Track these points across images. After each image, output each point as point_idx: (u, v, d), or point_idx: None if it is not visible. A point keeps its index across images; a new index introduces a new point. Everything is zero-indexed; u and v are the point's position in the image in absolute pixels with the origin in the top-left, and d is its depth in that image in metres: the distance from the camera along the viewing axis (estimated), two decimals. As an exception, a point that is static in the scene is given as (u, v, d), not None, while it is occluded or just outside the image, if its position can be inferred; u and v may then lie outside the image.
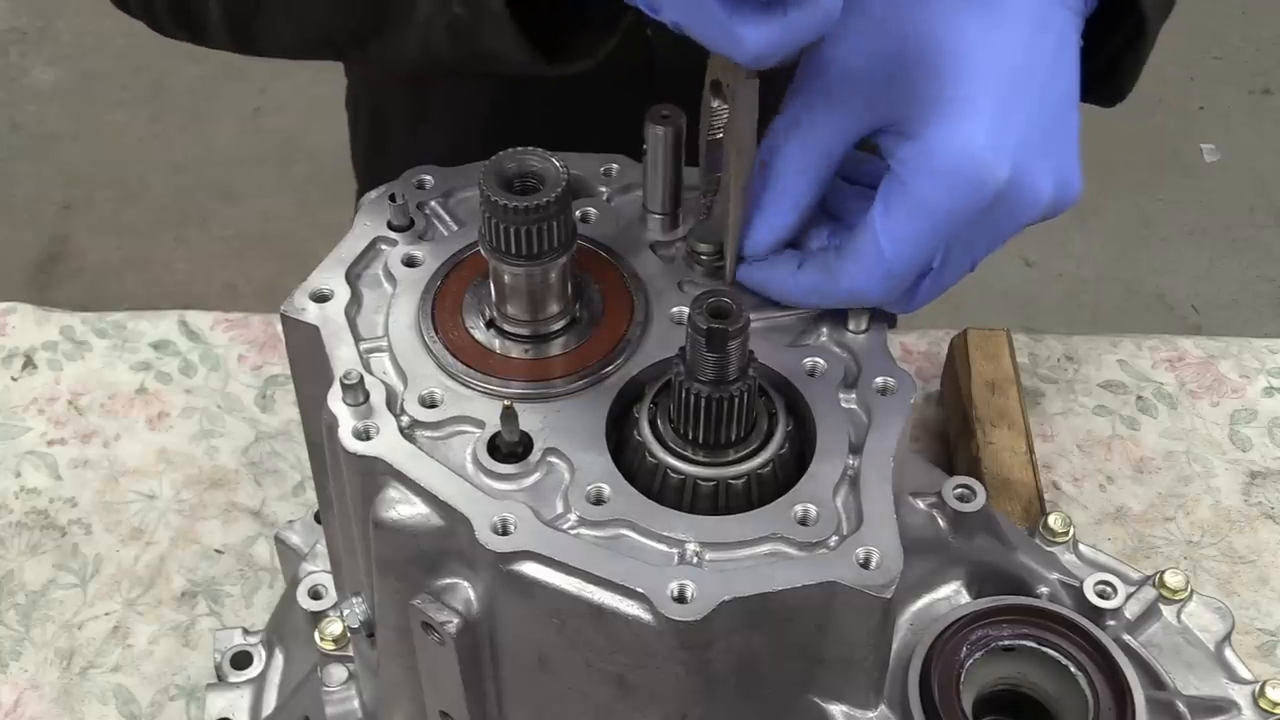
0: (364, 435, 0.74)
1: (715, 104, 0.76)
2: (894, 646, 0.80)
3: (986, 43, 0.75)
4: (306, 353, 0.81)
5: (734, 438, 0.73)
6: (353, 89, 1.46)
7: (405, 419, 0.75)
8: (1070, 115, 0.78)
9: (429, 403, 0.76)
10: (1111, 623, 0.89)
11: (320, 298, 0.80)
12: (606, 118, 0.92)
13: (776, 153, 0.77)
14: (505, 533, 0.70)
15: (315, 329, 0.79)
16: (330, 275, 0.81)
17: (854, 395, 0.77)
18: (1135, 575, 0.97)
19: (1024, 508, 1.17)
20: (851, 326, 0.80)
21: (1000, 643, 0.81)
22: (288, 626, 1.09)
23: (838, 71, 0.75)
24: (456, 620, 0.73)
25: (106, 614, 1.21)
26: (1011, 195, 0.74)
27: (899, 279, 0.76)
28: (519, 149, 0.74)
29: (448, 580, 0.74)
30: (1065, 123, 0.77)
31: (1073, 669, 0.81)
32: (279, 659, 1.09)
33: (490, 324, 0.79)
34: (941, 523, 0.85)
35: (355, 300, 0.81)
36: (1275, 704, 0.90)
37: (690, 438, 0.73)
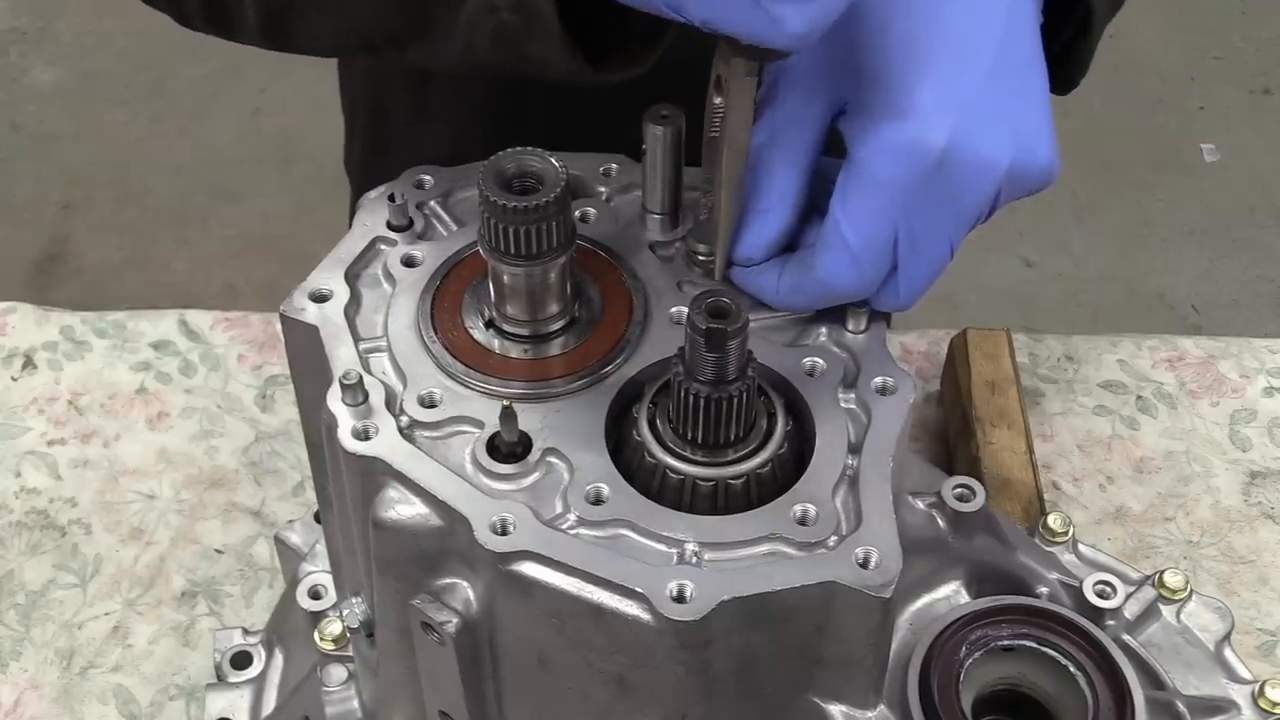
0: (363, 435, 0.74)
1: (717, 101, 0.76)
2: (893, 646, 0.80)
3: (933, 18, 0.75)
4: (306, 353, 0.81)
5: (733, 438, 0.73)
6: (349, 90, 1.45)
7: (404, 419, 0.75)
8: (1032, 82, 0.78)
9: (428, 403, 0.76)
10: (1111, 623, 0.89)
11: (320, 298, 0.80)
12: (607, 115, 0.92)
13: (756, 151, 0.78)
14: (504, 533, 0.70)
15: (315, 329, 0.79)
16: (330, 275, 0.81)
17: (853, 395, 0.77)
18: (1135, 575, 0.97)
19: (1024, 508, 1.17)
20: (851, 326, 0.80)
21: (1000, 643, 0.81)
22: (288, 626, 1.09)
23: (799, 58, 0.75)
24: (456, 620, 0.73)
25: (106, 614, 1.21)
26: (958, 159, 0.74)
27: (867, 264, 0.76)
28: (519, 149, 0.74)
29: (447, 580, 0.74)
30: (1025, 89, 0.77)
31: (1072, 669, 0.81)
32: (279, 659, 1.09)
33: (490, 324, 0.79)
34: (941, 523, 0.85)
35: (354, 300, 0.81)
36: (1275, 704, 0.90)
37: (689, 438, 0.73)
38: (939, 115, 0.73)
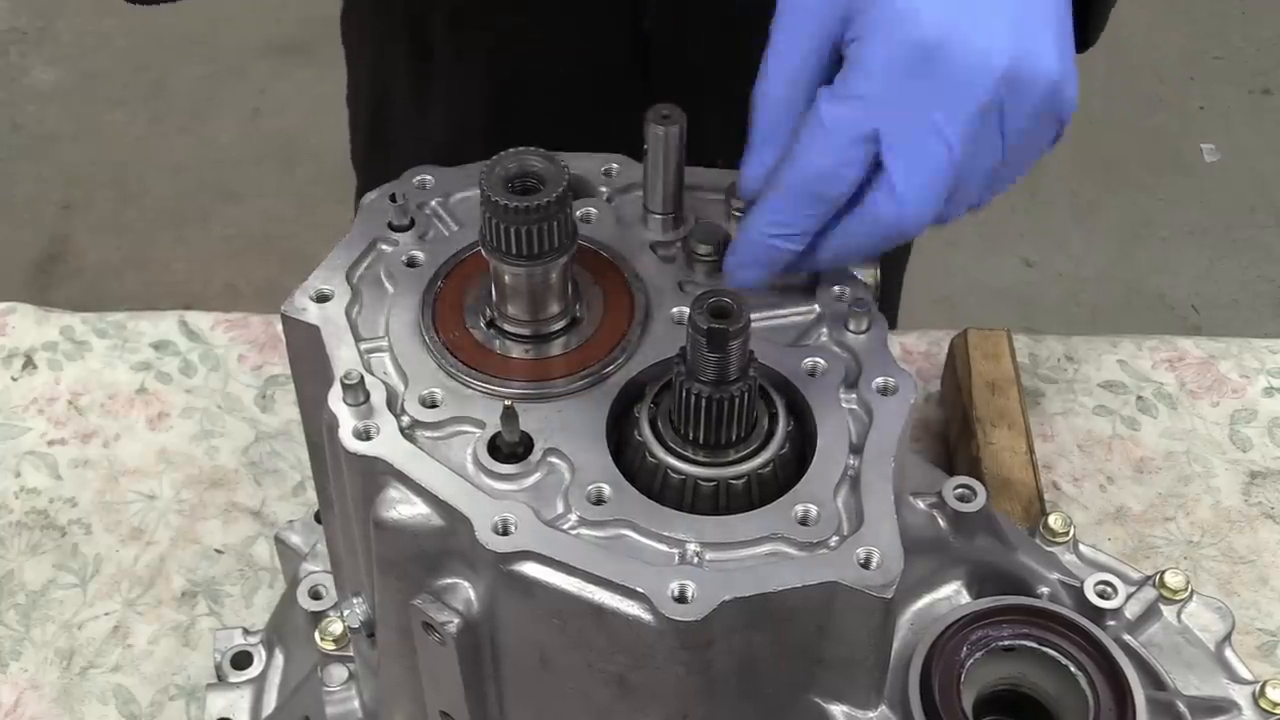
0: (364, 435, 0.74)
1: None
2: (894, 646, 0.80)
3: None
4: (307, 353, 0.81)
5: (734, 438, 0.73)
6: (353, 82, 1.46)
7: (406, 419, 0.75)
8: (1066, 11, 0.76)
9: (429, 403, 0.76)
10: (1112, 623, 0.89)
11: (321, 298, 0.80)
12: (600, 115, 0.92)
13: (760, 77, 0.78)
14: (506, 533, 0.70)
15: (315, 329, 0.79)
16: (330, 275, 0.81)
17: (854, 395, 0.77)
18: (1135, 575, 0.97)
19: (1024, 508, 1.17)
20: (852, 327, 0.80)
21: (1000, 643, 0.81)
22: (288, 626, 1.09)
23: None
24: (457, 620, 0.73)
25: (106, 614, 1.21)
26: (948, 51, 0.72)
27: (841, 150, 0.74)
28: (519, 149, 0.74)
29: (448, 580, 0.74)
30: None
31: (1073, 669, 0.81)
32: (279, 659, 1.09)
33: (490, 324, 0.79)
34: (942, 523, 0.85)
35: (355, 300, 0.81)
36: (1275, 704, 0.90)
37: (691, 438, 0.73)
38: (930, 6, 0.72)
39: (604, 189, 0.87)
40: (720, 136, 0.85)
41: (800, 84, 0.77)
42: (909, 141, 0.74)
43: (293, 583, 1.07)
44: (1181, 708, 0.86)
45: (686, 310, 0.73)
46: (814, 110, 0.75)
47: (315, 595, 1.02)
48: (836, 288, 0.81)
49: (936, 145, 0.74)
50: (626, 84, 0.96)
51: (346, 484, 0.78)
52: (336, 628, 0.97)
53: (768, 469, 0.74)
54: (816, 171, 0.75)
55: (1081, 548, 1.00)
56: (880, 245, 0.78)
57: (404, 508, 0.73)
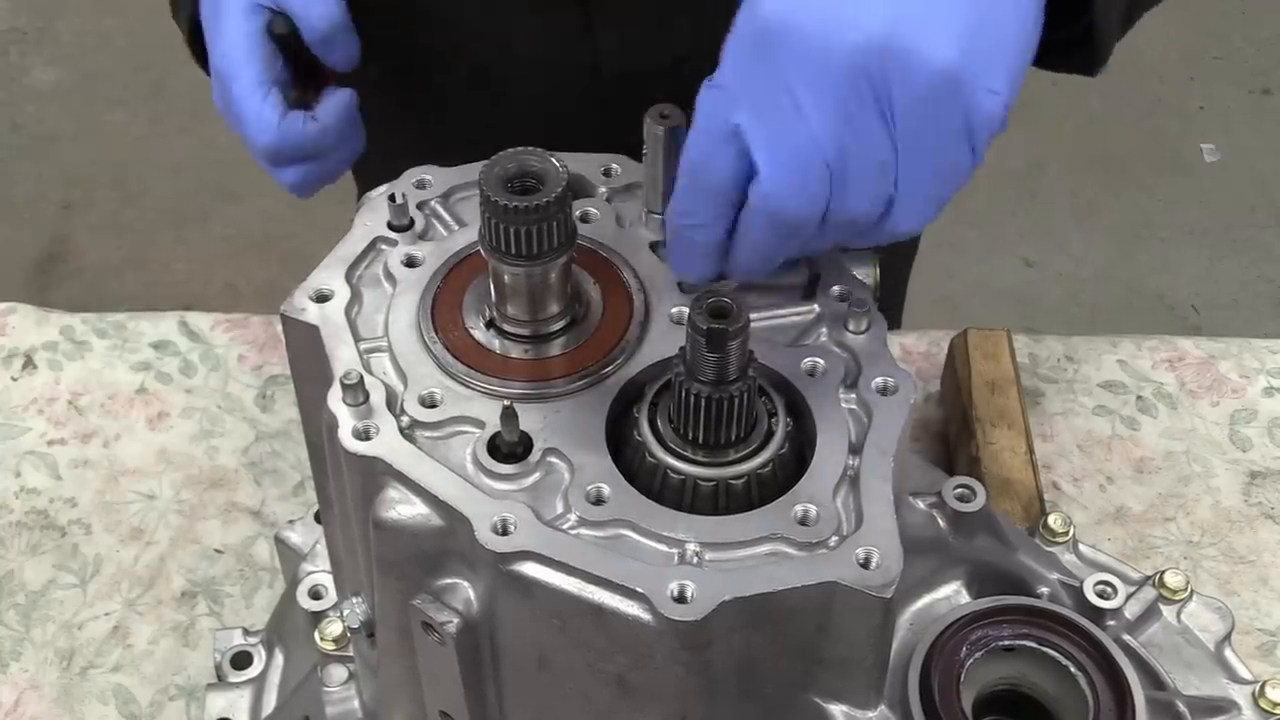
0: (364, 435, 0.74)
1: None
2: (894, 646, 0.80)
3: None
4: (306, 353, 0.81)
5: (734, 438, 0.73)
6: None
7: (405, 419, 0.75)
8: (1006, 17, 0.71)
9: (429, 403, 0.76)
10: (1111, 623, 0.89)
11: (320, 298, 0.80)
12: (606, 114, 0.92)
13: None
14: (505, 533, 0.70)
15: (315, 329, 0.79)
16: (330, 275, 0.81)
17: (854, 395, 0.77)
18: (1135, 575, 0.97)
19: (1024, 508, 1.17)
20: (851, 327, 0.80)
21: (1000, 643, 0.81)
22: (288, 626, 1.09)
23: None
24: (456, 620, 0.73)
25: (106, 614, 1.21)
26: (796, 27, 0.69)
27: (719, 141, 0.72)
28: (519, 149, 0.74)
29: (448, 580, 0.74)
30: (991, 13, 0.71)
31: (1073, 669, 0.81)
32: (279, 659, 1.09)
33: (490, 324, 0.79)
34: (941, 523, 0.85)
35: (355, 300, 0.81)
36: (1275, 704, 0.90)
37: (690, 438, 0.73)
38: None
39: (604, 189, 0.87)
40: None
41: None
42: (766, 123, 0.71)
43: (293, 583, 1.07)
44: (1181, 708, 0.86)
45: (686, 310, 0.73)
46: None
47: (315, 595, 1.02)
48: (836, 288, 0.81)
49: (795, 122, 0.70)
50: (586, 92, 0.98)
51: (346, 484, 0.78)
52: (336, 628, 0.97)
53: (767, 469, 0.74)
54: (694, 160, 0.75)
55: (1081, 548, 1.00)
56: (778, 242, 0.74)
57: (403, 508, 0.73)
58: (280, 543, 1.12)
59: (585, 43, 1.16)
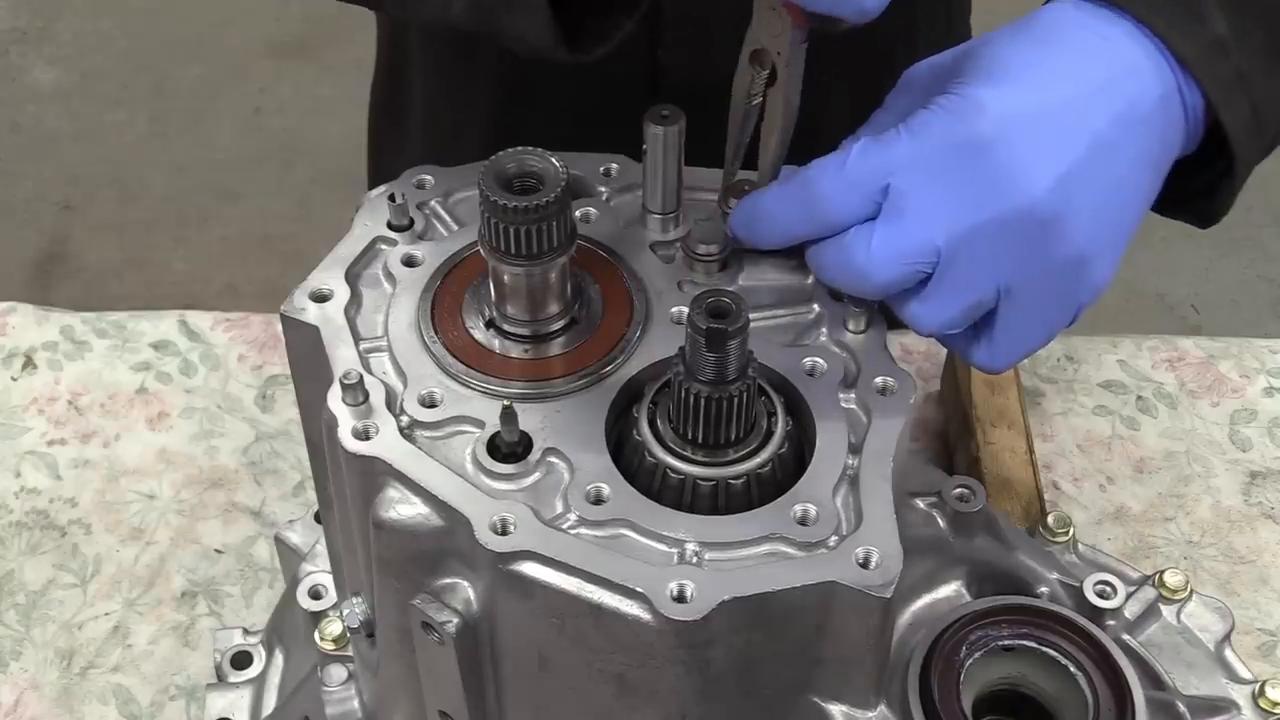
0: (364, 435, 0.74)
1: (756, 69, 0.80)
2: (894, 646, 0.80)
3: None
4: (306, 353, 0.81)
5: (733, 437, 0.73)
6: (382, 53, 1.45)
7: (405, 419, 0.75)
8: (1137, 200, 0.80)
9: (428, 403, 0.76)
10: (1111, 623, 0.89)
11: (320, 298, 0.80)
12: (604, 130, 0.92)
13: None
14: (505, 532, 0.70)
15: (315, 329, 0.79)
16: (330, 275, 0.81)
17: (854, 395, 0.77)
18: (1135, 575, 0.97)
19: (1024, 508, 1.17)
20: (851, 327, 0.80)
21: (1000, 643, 0.81)
22: (288, 626, 1.09)
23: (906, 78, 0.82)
24: (456, 620, 0.73)
25: (106, 614, 1.21)
26: (995, 156, 0.74)
27: (855, 192, 0.76)
28: (519, 149, 0.74)
29: (447, 580, 0.74)
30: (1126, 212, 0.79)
31: (1073, 669, 0.81)
32: (279, 659, 1.09)
33: (490, 324, 0.79)
34: (941, 523, 0.85)
35: (355, 300, 0.81)
36: (1275, 704, 0.90)
37: (690, 437, 0.73)
38: (997, 104, 0.76)
39: (604, 189, 0.87)
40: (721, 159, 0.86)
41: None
42: (917, 206, 0.75)
43: (293, 583, 1.07)
44: (1181, 708, 0.86)
45: (686, 310, 0.73)
46: (853, 140, 0.78)
47: (315, 595, 1.02)
48: (836, 288, 0.82)
49: (926, 227, 0.75)
50: (634, 103, 0.97)
51: (346, 484, 0.78)
52: (336, 628, 0.97)
53: (767, 469, 0.74)
54: (823, 193, 0.77)
55: (1081, 548, 1.00)
56: (839, 282, 0.79)
57: (403, 508, 0.73)
58: (280, 543, 1.12)
59: (647, 57, 1.16)
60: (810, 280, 0.82)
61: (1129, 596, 0.92)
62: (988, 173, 0.74)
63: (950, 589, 0.86)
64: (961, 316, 0.78)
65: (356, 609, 0.84)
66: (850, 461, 0.74)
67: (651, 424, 0.75)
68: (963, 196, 0.75)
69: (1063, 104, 0.76)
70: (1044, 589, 0.89)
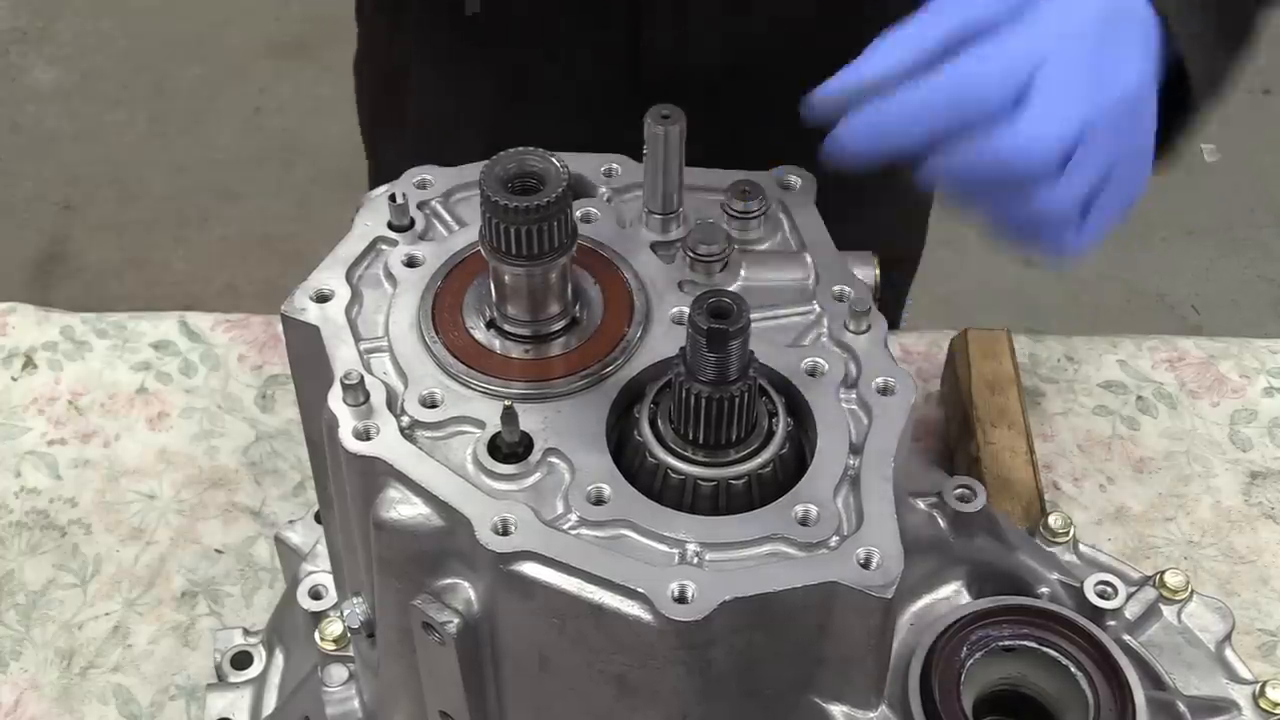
0: (364, 435, 0.74)
1: None
2: (894, 646, 0.80)
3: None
4: (307, 353, 0.81)
5: (734, 438, 0.73)
6: (365, 46, 1.45)
7: (405, 419, 0.75)
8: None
9: (429, 403, 0.76)
10: (1112, 623, 0.89)
11: (320, 298, 0.80)
12: (589, 122, 0.92)
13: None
14: (505, 533, 0.70)
15: (315, 329, 0.79)
16: (330, 275, 0.81)
17: (854, 395, 0.77)
18: (1135, 575, 0.97)
19: (1024, 508, 1.17)
20: (851, 327, 0.80)
21: (1000, 643, 0.81)
22: (288, 626, 1.09)
23: None
24: (457, 620, 0.73)
25: (106, 614, 1.21)
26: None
27: (1010, 70, 0.78)
28: (519, 149, 0.74)
29: (448, 580, 0.74)
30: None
31: (1073, 669, 0.81)
32: (279, 659, 1.09)
33: (490, 324, 0.79)
34: (942, 523, 0.85)
35: (355, 300, 0.81)
36: (1275, 704, 0.90)
37: (691, 438, 0.73)
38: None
39: (604, 189, 0.87)
40: (710, 154, 0.86)
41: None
42: (1052, 90, 0.77)
43: (293, 583, 1.07)
44: (1181, 708, 0.86)
45: (686, 310, 0.73)
46: (997, 27, 0.79)
47: (315, 595, 1.02)
48: (836, 288, 0.81)
49: (1078, 104, 0.78)
50: (617, 96, 0.97)
51: (346, 484, 0.78)
52: (336, 628, 0.97)
53: (767, 469, 0.74)
54: (966, 75, 0.78)
55: (1081, 548, 1.00)
56: (983, 174, 0.79)
57: (404, 508, 0.73)
58: (280, 543, 1.12)
59: (630, 45, 1.16)
60: (810, 280, 0.82)
61: (1129, 597, 0.92)
62: (1112, 55, 0.79)
63: (951, 589, 0.86)
64: (1088, 194, 0.81)
65: (357, 609, 0.84)
66: (851, 462, 0.74)
67: (652, 424, 0.75)
68: (1099, 76, 0.79)
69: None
70: (1044, 589, 0.89)
